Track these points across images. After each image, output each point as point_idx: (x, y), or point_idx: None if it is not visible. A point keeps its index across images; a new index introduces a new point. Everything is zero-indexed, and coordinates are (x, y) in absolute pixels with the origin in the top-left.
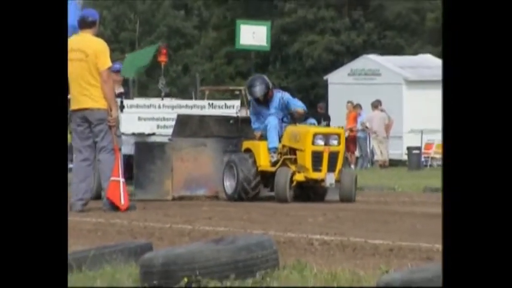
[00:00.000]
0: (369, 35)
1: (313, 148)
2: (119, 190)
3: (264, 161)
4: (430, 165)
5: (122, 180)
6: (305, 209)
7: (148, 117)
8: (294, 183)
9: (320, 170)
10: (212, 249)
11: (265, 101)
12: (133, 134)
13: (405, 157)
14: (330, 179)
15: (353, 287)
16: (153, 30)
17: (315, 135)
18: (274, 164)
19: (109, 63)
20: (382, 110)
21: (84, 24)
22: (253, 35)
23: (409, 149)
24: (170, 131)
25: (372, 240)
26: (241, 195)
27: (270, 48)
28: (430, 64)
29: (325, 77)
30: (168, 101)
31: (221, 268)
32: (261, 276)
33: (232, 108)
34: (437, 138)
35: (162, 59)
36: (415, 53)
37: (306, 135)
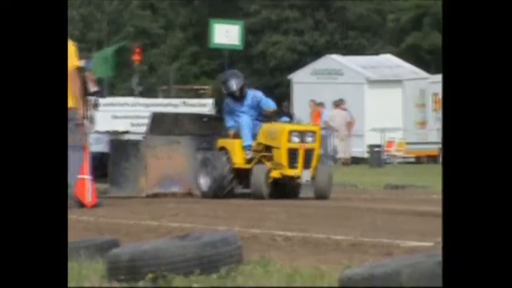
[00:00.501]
0: (331, 35)
1: (289, 145)
2: (86, 188)
3: (239, 159)
4: (391, 163)
5: (89, 178)
6: (268, 206)
7: (122, 115)
8: (270, 180)
9: (296, 167)
10: (178, 246)
11: (240, 96)
12: (107, 132)
13: (367, 155)
14: (306, 175)
15: (315, 286)
16: (120, 30)
17: (290, 132)
18: (249, 161)
19: (76, 63)
20: (344, 109)
21: None
22: (226, 34)
23: (370, 147)
24: (144, 129)
25: (334, 236)
26: (216, 192)
27: (239, 47)
28: (391, 64)
29: (288, 77)
30: (142, 100)
31: (187, 264)
32: (226, 272)
33: (205, 106)
34: (398, 136)
35: (136, 58)
36: (376, 53)
37: (282, 133)
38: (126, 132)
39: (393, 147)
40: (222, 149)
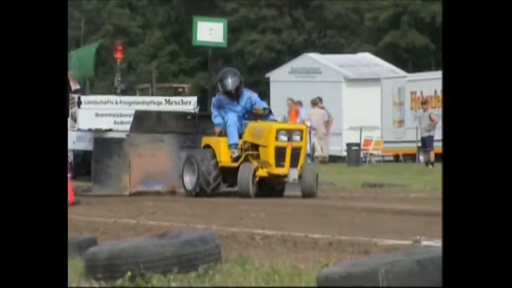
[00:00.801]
0: (309, 34)
1: (277, 144)
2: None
3: (225, 157)
4: (369, 161)
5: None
6: (247, 204)
7: (105, 113)
8: (257, 178)
9: (283, 166)
10: (156, 244)
11: (236, 95)
12: (89, 129)
13: (345, 153)
14: (293, 174)
15: (293, 285)
16: (98, 29)
17: (278, 131)
18: (235, 159)
19: None
20: (322, 108)
21: None
22: (210, 31)
23: (348, 145)
24: (127, 126)
25: (312, 235)
26: (201, 191)
27: (223, 45)
28: (369, 62)
29: (266, 75)
30: (125, 97)
31: (165, 262)
32: (204, 270)
33: (188, 104)
34: (376, 135)
35: (118, 55)
36: (354, 52)
37: (270, 131)
38: (110, 130)
39: (371, 145)
40: (207, 147)
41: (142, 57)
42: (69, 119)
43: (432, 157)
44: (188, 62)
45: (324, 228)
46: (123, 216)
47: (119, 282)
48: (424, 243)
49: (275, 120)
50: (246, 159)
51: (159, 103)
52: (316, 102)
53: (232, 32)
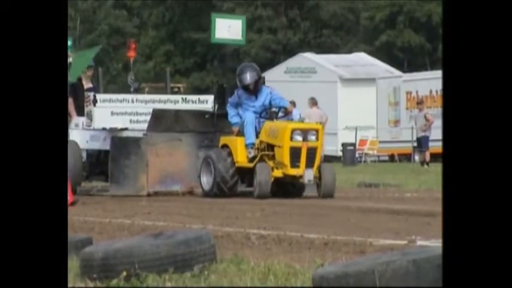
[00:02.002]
0: (305, 34)
1: (291, 144)
2: None
3: (241, 157)
4: (364, 161)
5: None
6: (243, 204)
7: (121, 111)
8: (272, 179)
9: (298, 166)
10: (151, 244)
11: (254, 90)
12: (103, 128)
13: (340, 153)
14: (309, 175)
15: (289, 286)
16: (94, 29)
17: (293, 131)
18: (251, 159)
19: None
20: (317, 108)
21: None
22: (228, 28)
23: (343, 145)
24: (143, 125)
25: (308, 234)
26: (219, 190)
27: (241, 42)
28: (364, 62)
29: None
30: (141, 96)
31: (160, 262)
32: (199, 270)
33: (205, 103)
34: (371, 134)
35: (131, 54)
36: (349, 52)
37: (284, 131)
38: (125, 129)
39: (366, 145)
40: (224, 146)
41: (138, 57)
42: (84, 118)
43: (427, 157)
44: (183, 62)
45: (319, 228)
46: (118, 216)
47: (114, 282)
48: (420, 243)
49: (292, 120)
50: (262, 160)
51: (176, 101)
52: (315, 102)
53: None
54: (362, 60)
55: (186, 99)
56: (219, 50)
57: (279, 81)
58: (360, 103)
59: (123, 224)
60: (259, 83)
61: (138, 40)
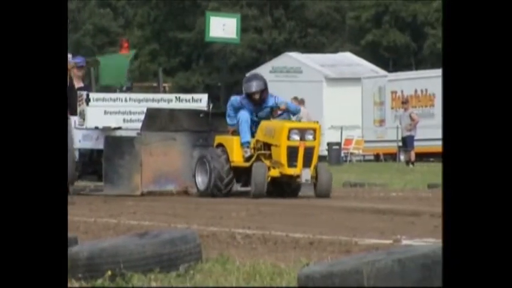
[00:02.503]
0: (290, 33)
1: (289, 143)
2: None
3: (237, 157)
4: (350, 161)
5: None
6: (228, 204)
7: (114, 110)
8: (269, 179)
9: (295, 166)
10: (137, 243)
11: (260, 100)
12: (96, 128)
13: (325, 152)
14: (306, 174)
15: (274, 285)
16: (79, 28)
17: (290, 130)
18: (247, 159)
19: None
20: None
21: None
22: (223, 27)
23: (329, 144)
24: (137, 125)
25: (293, 234)
26: (214, 191)
27: (236, 41)
28: (350, 62)
29: (247, 74)
30: (134, 95)
31: (145, 261)
32: (185, 270)
33: (199, 101)
34: (357, 134)
35: (124, 52)
36: (335, 51)
37: (281, 130)
38: (118, 128)
39: (351, 144)
40: (220, 146)
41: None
42: (77, 117)
43: (412, 156)
44: (169, 62)
45: (304, 227)
46: (103, 215)
47: (99, 282)
48: (405, 242)
49: (289, 119)
50: (258, 159)
51: (170, 100)
52: (303, 101)
53: None
54: (347, 60)
55: (179, 98)
56: (204, 50)
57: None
58: (346, 103)
59: (109, 223)
60: (264, 93)
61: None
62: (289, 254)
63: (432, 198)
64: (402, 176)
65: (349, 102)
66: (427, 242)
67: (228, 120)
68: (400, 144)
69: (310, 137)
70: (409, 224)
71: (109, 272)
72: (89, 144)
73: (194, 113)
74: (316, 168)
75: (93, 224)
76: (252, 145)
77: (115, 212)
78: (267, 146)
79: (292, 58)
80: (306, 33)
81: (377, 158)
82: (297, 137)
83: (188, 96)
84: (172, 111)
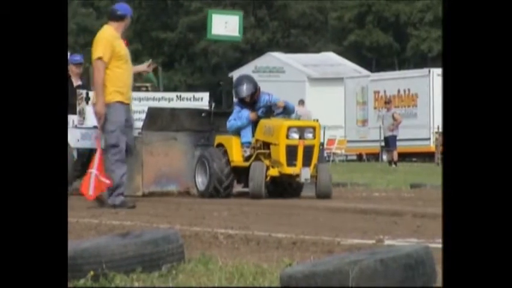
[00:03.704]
0: (273, 33)
1: (288, 142)
2: (89, 181)
3: (237, 156)
4: (332, 160)
5: (93, 171)
6: (210, 204)
7: None
8: (268, 178)
9: (295, 165)
10: (119, 243)
11: (251, 102)
12: (95, 127)
13: None
14: (305, 173)
15: (257, 285)
16: None
17: (289, 128)
18: (247, 159)
19: (98, 54)
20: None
21: (112, 16)
22: (225, 25)
23: None
24: (137, 124)
25: (276, 234)
26: (213, 192)
27: (238, 38)
28: (333, 62)
29: (230, 74)
30: (135, 93)
31: (128, 262)
32: (167, 270)
33: (200, 100)
34: (339, 134)
35: None
36: (318, 51)
37: (280, 129)
38: None
39: (334, 144)
40: (220, 145)
41: None
42: (76, 116)
43: (395, 156)
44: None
45: (287, 227)
46: (85, 215)
47: (81, 282)
48: (387, 242)
49: (288, 117)
50: (257, 158)
51: (170, 99)
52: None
53: (195, 31)
54: (330, 60)
55: (180, 96)
56: (186, 50)
57: None
58: (328, 102)
59: (91, 223)
60: (256, 95)
61: None
62: (271, 254)
63: (415, 198)
64: (385, 176)
65: (331, 102)
66: (410, 242)
67: (227, 124)
68: (383, 144)
69: (310, 135)
70: (392, 224)
71: (91, 272)
72: (87, 144)
73: (196, 113)
74: (316, 167)
75: (75, 224)
76: (252, 144)
77: (97, 212)
78: (267, 145)
79: (275, 58)
80: (289, 33)
81: (360, 158)
82: (296, 136)
83: (189, 94)
84: (173, 111)
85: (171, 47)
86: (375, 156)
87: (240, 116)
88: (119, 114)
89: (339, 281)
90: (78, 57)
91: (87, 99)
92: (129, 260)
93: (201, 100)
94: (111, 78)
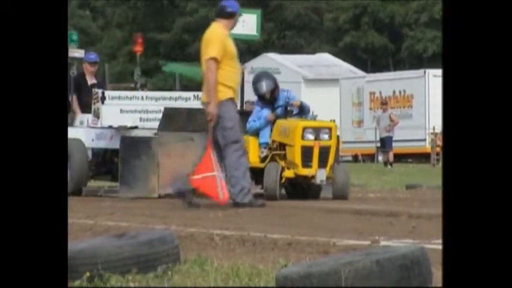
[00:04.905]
0: (269, 34)
1: (303, 143)
2: (216, 184)
3: (254, 157)
4: None
5: (216, 173)
6: (205, 205)
7: (130, 109)
8: (283, 180)
9: (310, 166)
10: (114, 244)
11: (271, 99)
12: (110, 127)
13: None
14: (321, 175)
15: (252, 285)
16: None
17: (304, 129)
18: (263, 159)
19: (212, 53)
20: None
21: (220, 13)
22: (243, 23)
23: None
24: (153, 124)
25: (271, 235)
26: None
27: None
28: (328, 63)
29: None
30: (151, 93)
31: (123, 262)
32: (163, 271)
33: None
34: None
35: (138, 49)
36: (313, 52)
37: (295, 130)
38: (135, 127)
39: None
40: None
41: (102, 56)
42: (91, 116)
43: (391, 157)
44: (147, 63)
45: (282, 228)
46: (81, 216)
47: (77, 283)
48: (383, 243)
49: (305, 117)
50: (273, 159)
51: (187, 99)
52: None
53: (191, 32)
54: (325, 61)
55: (198, 96)
56: (182, 51)
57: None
58: (324, 103)
59: (86, 224)
60: (275, 92)
61: (101, 39)
62: (267, 255)
63: (410, 199)
64: (380, 176)
65: (327, 103)
66: (405, 242)
67: (247, 125)
68: (378, 145)
69: (326, 136)
70: (387, 224)
71: (87, 273)
72: (102, 144)
73: None
74: (332, 168)
75: (70, 224)
76: (268, 145)
77: (92, 213)
78: (283, 146)
79: (271, 59)
80: (284, 34)
81: (355, 158)
82: (311, 137)
83: None
84: (190, 111)
85: (167, 48)
86: (370, 157)
87: (259, 116)
88: (233, 110)
89: (335, 282)
90: (93, 56)
91: (103, 99)
92: (124, 260)
93: None
94: (223, 77)
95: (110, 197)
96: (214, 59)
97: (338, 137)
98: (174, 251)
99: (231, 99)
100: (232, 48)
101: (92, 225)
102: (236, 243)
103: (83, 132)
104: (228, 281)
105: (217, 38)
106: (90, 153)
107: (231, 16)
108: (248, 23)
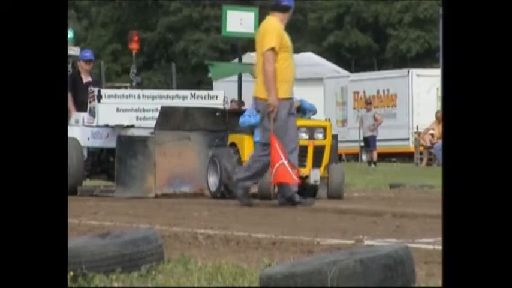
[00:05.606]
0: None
1: None
2: (288, 171)
3: (249, 156)
4: None
5: (283, 161)
6: (190, 204)
7: (127, 108)
8: None
9: (304, 166)
10: (98, 244)
11: None
12: (106, 125)
13: None
14: (315, 175)
15: (236, 286)
16: None
17: (298, 128)
18: None
19: (270, 44)
20: None
21: (276, 7)
22: (240, 21)
23: None
24: (150, 123)
25: (255, 234)
26: (225, 192)
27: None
28: (312, 62)
29: (210, 75)
30: (148, 91)
31: (107, 262)
32: (147, 270)
33: (215, 98)
34: None
35: (134, 46)
36: (297, 52)
37: None
38: (131, 126)
39: None
40: (233, 145)
41: None
42: (85, 114)
43: (375, 156)
44: (131, 62)
45: (266, 227)
46: None
47: None
48: (367, 242)
49: (304, 116)
50: None
51: (184, 97)
52: None
53: (175, 31)
54: (309, 60)
55: (195, 94)
56: (166, 50)
57: (227, 81)
58: None
59: (70, 223)
60: None
61: (85, 38)
62: (251, 254)
63: (394, 198)
64: (364, 176)
65: (311, 103)
66: (389, 242)
67: (240, 119)
68: (362, 144)
69: (320, 135)
70: (371, 224)
71: (71, 273)
72: (98, 143)
73: (210, 112)
74: (327, 168)
75: None
76: None
77: (76, 212)
78: None
79: (255, 58)
80: None
81: (339, 158)
82: (305, 136)
83: (204, 93)
84: (187, 110)
85: (151, 47)
86: (354, 157)
87: (254, 112)
88: (282, 110)
89: (319, 281)
90: (88, 54)
91: (99, 97)
92: (108, 260)
93: (216, 98)
94: (279, 71)
95: (107, 197)
96: (273, 49)
97: (336, 136)
98: (158, 251)
99: (283, 100)
100: (288, 41)
101: (76, 224)
102: (220, 243)
103: (79, 131)
104: (211, 280)
105: (275, 29)
106: (85, 152)
107: (286, 10)
108: (246, 21)
